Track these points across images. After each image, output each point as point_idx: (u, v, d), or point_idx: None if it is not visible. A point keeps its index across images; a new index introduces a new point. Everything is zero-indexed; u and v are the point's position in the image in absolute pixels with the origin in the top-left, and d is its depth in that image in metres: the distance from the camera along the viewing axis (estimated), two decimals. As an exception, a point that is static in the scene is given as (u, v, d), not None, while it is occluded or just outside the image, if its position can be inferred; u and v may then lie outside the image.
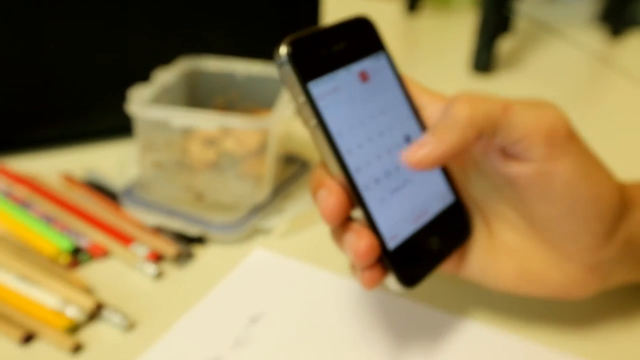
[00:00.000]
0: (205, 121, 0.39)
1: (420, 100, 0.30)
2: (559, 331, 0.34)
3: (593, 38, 0.85)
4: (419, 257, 0.29)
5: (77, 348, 0.32)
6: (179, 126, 0.39)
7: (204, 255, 0.40)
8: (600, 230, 0.29)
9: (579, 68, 0.77)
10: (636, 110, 0.65)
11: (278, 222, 0.42)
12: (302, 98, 0.26)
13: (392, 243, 0.28)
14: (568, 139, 0.28)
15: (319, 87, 0.26)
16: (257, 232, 0.42)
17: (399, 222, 0.28)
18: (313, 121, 0.26)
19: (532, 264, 0.31)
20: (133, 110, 0.39)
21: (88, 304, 0.33)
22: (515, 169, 0.28)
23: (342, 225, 0.28)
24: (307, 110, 0.26)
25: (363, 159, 0.27)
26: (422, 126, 0.30)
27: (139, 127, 0.41)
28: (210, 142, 0.44)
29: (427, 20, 0.93)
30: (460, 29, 0.83)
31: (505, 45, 0.78)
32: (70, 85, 0.49)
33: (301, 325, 0.34)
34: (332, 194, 0.26)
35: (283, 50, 0.26)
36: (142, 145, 0.41)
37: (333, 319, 0.34)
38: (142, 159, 0.42)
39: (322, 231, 0.42)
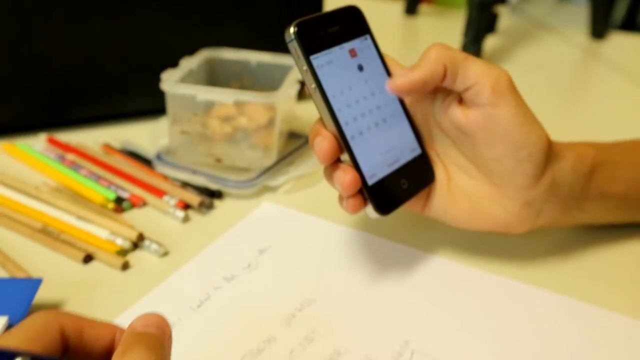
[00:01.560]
0: (224, 96, 0.48)
1: (396, 72, 0.38)
2: (508, 264, 0.42)
3: (579, 37, 0.94)
4: (391, 193, 0.37)
5: (125, 266, 0.41)
6: (202, 100, 0.48)
7: (221, 206, 0.49)
8: (531, 171, 0.37)
9: (564, 64, 0.86)
10: (620, 103, 0.73)
11: (283, 181, 0.50)
12: (305, 67, 0.35)
13: (370, 180, 0.36)
14: (510, 90, 0.36)
15: (318, 60, 0.35)
16: (265, 189, 0.51)
17: (376, 166, 0.37)
18: (313, 85, 0.35)
19: (481, 203, 0.39)
20: (166, 87, 0.48)
21: (132, 235, 0.42)
22: (468, 114, 0.37)
23: (332, 165, 0.36)
24: (309, 77, 0.35)
25: (351, 116, 0.36)
26: None
27: (169, 102, 0.50)
28: (227, 119, 0.54)
29: (424, 19, 1.02)
30: (455, 28, 0.92)
31: (493, 42, 0.87)
32: (110, 72, 0.58)
33: (298, 255, 0.43)
34: (326, 140, 0.35)
35: (292, 29, 0.35)
36: (172, 117, 0.51)
37: (324, 252, 0.43)
38: (171, 129, 0.51)
39: (317, 190, 0.51)
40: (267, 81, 0.58)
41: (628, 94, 0.75)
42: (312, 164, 0.53)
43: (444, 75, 0.36)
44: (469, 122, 0.37)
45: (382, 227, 0.46)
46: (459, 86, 0.36)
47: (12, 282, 0.37)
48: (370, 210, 0.37)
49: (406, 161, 0.39)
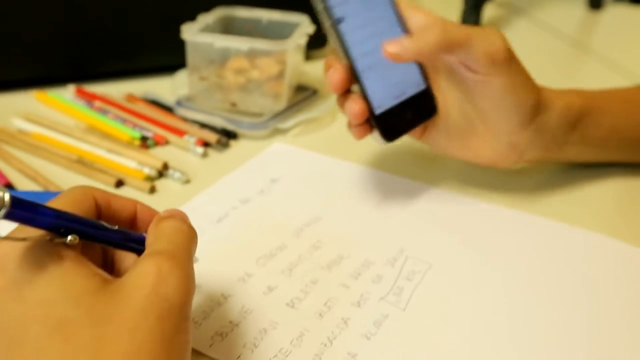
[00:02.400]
0: (239, 43, 0.53)
1: (406, 12, 0.42)
2: (502, 196, 0.47)
3: (577, 7, 0.98)
4: (396, 122, 0.41)
5: (152, 190, 0.46)
6: (219, 47, 0.53)
7: (236, 146, 0.54)
8: (517, 121, 0.41)
9: (563, 33, 0.89)
10: (615, 71, 0.77)
11: (293, 124, 0.55)
12: (322, 5, 0.38)
13: (378, 110, 0.40)
14: (506, 61, 0.39)
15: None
16: (276, 132, 0.55)
17: (384, 97, 0.40)
18: (329, 22, 0.38)
19: (471, 140, 0.44)
20: (186, 36, 0.53)
21: (158, 164, 0.47)
22: (468, 75, 0.40)
23: (344, 95, 0.40)
24: (325, 15, 0.38)
25: (362, 51, 0.39)
26: (406, 31, 0.41)
27: (189, 51, 0.55)
28: (240, 71, 0.58)
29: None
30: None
31: (491, 10, 0.91)
32: (133, 29, 0.63)
33: (307, 184, 0.48)
34: (338, 71, 0.39)
35: None
36: (191, 65, 0.55)
37: (330, 182, 0.48)
38: (191, 76, 0.56)
39: (324, 134, 0.56)
40: (277, 37, 0.62)
41: (623, 63, 0.79)
42: (319, 110, 0.58)
43: (444, 50, 0.38)
44: (467, 79, 0.41)
45: (385, 162, 0.50)
46: (458, 58, 0.39)
47: (45, 195, 0.42)
48: (376, 137, 0.41)
49: (411, 94, 0.42)
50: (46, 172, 0.47)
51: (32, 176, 0.46)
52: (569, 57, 0.83)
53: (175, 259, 0.25)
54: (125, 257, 0.29)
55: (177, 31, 0.55)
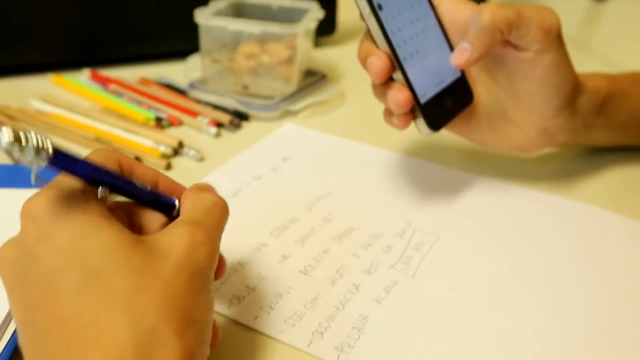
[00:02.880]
0: (251, 26, 0.55)
1: (454, 41, 0.40)
2: (517, 179, 0.49)
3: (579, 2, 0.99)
4: (440, 111, 0.40)
5: (168, 167, 0.47)
6: (232, 30, 0.55)
7: (248, 127, 0.55)
8: (556, 105, 0.42)
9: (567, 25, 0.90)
10: (621, 59, 0.78)
11: (303, 106, 0.57)
12: None
13: (422, 99, 0.38)
14: (557, 38, 0.40)
15: None
16: (287, 114, 0.57)
17: (426, 86, 0.40)
18: (367, 10, 0.37)
19: (503, 126, 0.43)
20: (200, 20, 0.55)
21: (173, 142, 0.49)
22: (515, 55, 0.39)
23: (385, 84, 0.38)
24: (363, 2, 0.37)
25: (402, 39, 0.37)
26: (438, 19, 0.40)
27: (202, 34, 0.56)
28: (251, 56, 0.60)
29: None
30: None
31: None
32: (146, 15, 0.65)
33: (317, 162, 0.49)
34: (381, 59, 0.37)
35: None
36: (204, 48, 0.57)
37: (340, 160, 0.49)
38: (204, 59, 0.58)
39: (333, 116, 0.58)
40: (287, 23, 0.63)
41: (629, 51, 0.80)
42: (329, 93, 0.59)
43: (502, 37, 0.37)
44: (512, 59, 0.40)
45: (395, 144, 0.52)
46: (514, 38, 0.38)
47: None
48: (422, 127, 0.39)
49: (449, 82, 0.41)
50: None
51: (52, 153, 0.48)
52: (572, 50, 0.84)
53: (210, 232, 0.26)
54: (151, 221, 0.30)
55: (190, 17, 0.56)
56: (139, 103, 0.56)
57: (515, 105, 0.42)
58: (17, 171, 0.43)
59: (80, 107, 0.55)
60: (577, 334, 0.33)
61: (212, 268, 0.26)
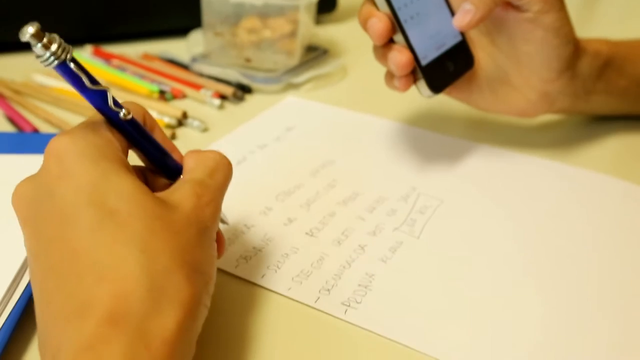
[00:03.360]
0: (254, -1, 0.55)
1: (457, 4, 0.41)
2: (522, 148, 0.49)
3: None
4: (441, 73, 0.41)
5: (173, 137, 0.48)
6: (234, 3, 0.55)
7: (251, 99, 0.55)
8: (556, 67, 0.42)
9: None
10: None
11: (306, 78, 0.57)
12: None
13: (423, 61, 0.39)
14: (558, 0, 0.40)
15: None
16: (289, 87, 0.57)
17: (427, 48, 0.40)
18: None
19: (504, 90, 0.44)
20: (202, -8, 0.55)
21: (178, 113, 0.49)
22: (516, 17, 0.40)
23: (385, 46, 0.38)
24: None
25: (403, 1, 0.37)
26: None
27: (205, 8, 0.56)
28: (253, 31, 0.60)
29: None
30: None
31: None
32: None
33: (321, 132, 0.49)
34: (381, 21, 0.37)
35: None
36: (207, 22, 0.57)
37: (343, 130, 0.50)
38: (206, 33, 0.58)
39: (336, 89, 0.58)
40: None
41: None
42: (331, 66, 0.59)
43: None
44: (513, 21, 0.40)
45: (398, 115, 0.52)
46: (514, 1, 0.39)
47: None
48: (423, 89, 0.39)
49: (450, 46, 0.41)
50: (69, 122, 0.49)
51: (57, 124, 0.48)
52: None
53: (214, 193, 0.27)
54: (158, 186, 0.29)
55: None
56: (142, 77, 0.57)
57: (516, 68, 0.42)
58: (22, 138, 0.44)
59: (83, 80, 0.55)
60: (579, 292, 0.33)
61: (215, 227, 0.27)
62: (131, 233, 0.23)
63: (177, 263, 0.23)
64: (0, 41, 0.61)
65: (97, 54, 0.62)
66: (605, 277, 0.35)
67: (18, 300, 0.29)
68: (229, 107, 0.54)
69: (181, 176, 0.28)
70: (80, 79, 0.24)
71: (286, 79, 0.56)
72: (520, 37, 0.41)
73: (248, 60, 0.58)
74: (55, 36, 0.23)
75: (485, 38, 0.44)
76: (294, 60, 0.58)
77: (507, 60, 0.43)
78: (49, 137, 0.43)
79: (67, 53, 0.23)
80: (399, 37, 0.38)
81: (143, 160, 0.29)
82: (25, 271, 0.31)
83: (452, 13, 0.41)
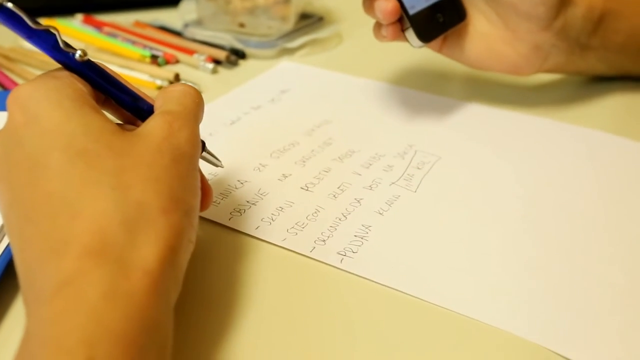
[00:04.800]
0: (247, -40, 0.53)
1: None
2: (521, 108, 0.48)
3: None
4: (430, 23, 0.41)
5: (165, 99, 0.47)
6: (228, -36, 0.54)
7: (245, 65, 0.54)
8: (545, 14, 0.41)
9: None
10: None
11: (300, 43, 0.56)
12: None
13: (411, 10, 0.40)
14: None
15: None
16: (284, 52, 0.56)
17: (414, 0, 0.40)
18: None
19: (495, 45, 0.43)
20: (194, -45, 0.54)
21: (170, 75, 0.48)
22: None
23: None
24: None
25: None
26: None
27: (197, -29, 0.55)
28: (246, -2, 0.59)
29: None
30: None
31: None
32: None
33: (316, 93, 0.49)
34: None
35: None
36: (200, -14, 0.56)
37: (338, 92, 0.49)
38: (199, -2, 0.57)
39: (331, 55, 0.57)
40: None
41: None
42: (327, 31, 0.58)
43: None
44: None
45: (395, 78, 0.51)
46: None
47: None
48: (412, 38, 0.40)
49: None
50: (60, 84, 0.48)
51: (47, 87, 0.47)
52: None
53: (185, 118, 0.26)
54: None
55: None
56: (133, 43, 0.56)
57: (504, 21, 0.42)
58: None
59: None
60: (574, 248, 0.33)
61: (194, 154, 0.26)
62: (101, 171, 0.22)
63: (151, 194, 0.23)
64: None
65: (88, 22, 0.61)
66: (602, 226, 0.34)
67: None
68: (223, 72, 0.53)
69: None
70: (22, 22, 0.23)
71: (281, 43, 0.55)
72: None
73: (242, 25, 0.57)
74: None
75: None
76: (289, 25, 0.57)
77: (495, 14, 0.43)
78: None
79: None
80: None
81: (116, 109, 0.28)
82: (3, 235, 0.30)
83: None
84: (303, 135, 0.42)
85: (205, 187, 0.28)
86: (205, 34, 0.56)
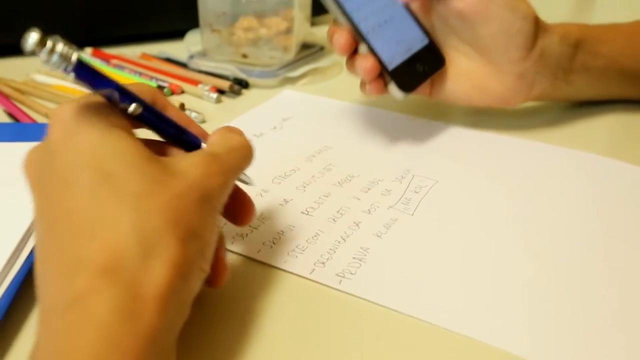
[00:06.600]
0: (249, -6, 0.56)
1: None
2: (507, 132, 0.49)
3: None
4: (410, 74, 0.43)
5: (170, 128, 0.48)
6: (231, -2, 0.56)
7: (248, 94, 0.56)
8: (522, 43, 0.43)
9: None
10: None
11: (302, 72, 0.58)
12: None
13: (391, 66, 0.42)
14: None
15: None
16: (286, 81, 0.58)
17: (393, 54, 0.43)
18: None
19: (480, 81, 0.45)
20: (198, -10, 0.56)
21: (175, 105, 0.50)
22: (466, 4, 0.42)
23: (352, 56, 0.42)
24: None
25: (363, 15, 0.42)
26: None
27: (201, 5, 0.57)
28: (250, 29, 0.61)
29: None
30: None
31: None
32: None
33: (317, 121, 0.50)
34: (342, 36, 0.41)
35: None
36: (203, 19, 0.58)
37: (339, 120, 0.50)
38: (203, 30, 0.59)
39: (332, 83, 0.59)
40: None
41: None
42: (327, 60, 0.60)
43: None
44: (466, 6, 0.42)
45: (394, 107, 0.52)
46: None
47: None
48: (394, 91, 0.43)
49: (418, 49, 0.44)
50: (69, 115, 0.50)
51: (57, 118, 0.48)
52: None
53: (225, 167, 0.27)
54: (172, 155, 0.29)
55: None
56: (140, 74, 0.58)
57: (486, 56, 0.44)
58: (21, 128, 0.44)
59: (83, 78, 0.56)
60: (570, 267, 0.34)
61: (221, 199, 0.26)
62: (126, 193, 0.23)
63: (171, 224, 0.23)
64: (2, 44, 0.62)
65: (96, 55, 0.63)
66: (595, 251, 0.35)
67: (21, 268, 0.30)
68: (227, 101, 0.55)
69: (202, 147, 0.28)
70: (88, 80, 0.24)
71: (283, 73, 0.57)
72: (479, 22, 0.42)
73: (245, 56, 0.59)
74: (59, 39, 0.23)
75: (451, 37, 0.45)
76: (290, 55, 0.59)
77: (475, 51, 0.44)
78: (47, 126, 0.44)
79: (72, 56, 0.23)
80: (362, 47, 0.42)
81: (163, 138, 0.29)
82: (26, 242, 0.31)
83: (417, 21, 0.45)
84: (304, 161, 0.44)
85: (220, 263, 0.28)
86: (209, 65, 0.58)
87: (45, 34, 0.23)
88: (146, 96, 0.28)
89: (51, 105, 0.52)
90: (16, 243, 0.31)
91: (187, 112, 0.50)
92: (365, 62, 0.41)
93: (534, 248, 0.35)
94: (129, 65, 0.59)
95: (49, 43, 0.23)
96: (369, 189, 0.40)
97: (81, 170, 0.23)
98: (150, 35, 0.69)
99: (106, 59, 0.62)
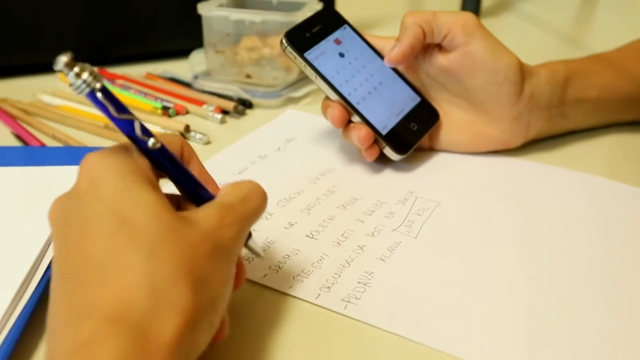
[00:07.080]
0: (253, 15, 0.56)
1: (378, 44, 0.47)
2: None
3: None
4: (405, 136, 0.45)
5: (176, 150, 0.49)
6: (235, 19, 0.57)
7: (252, 114, 0.57)
8: (511, 91, 0.44)
9: (563, 17, 0.93)
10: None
11: (305, 92, 0.58)
12: (303, 63, 0.43)
13: (384, 131, 0.44)
14: (478, 28, 0.43)
15: (311, 54, 0.43)
16: (289, 102, 0.59)
17: (385, 118, 0.44)
18: (314, 75, 0.43)
19: (477, 129, 0.46)
20: (203, 12, 0.57)
21: (180, 126, 0.51)
22: (450, 58, 0.44)
23: (347, 127, 0.44)
24: (309, 70, 0.43)
25: (351, 87, 0.44)
26: (382, 57, 0.46)
27: (205, 26, 0.58)
28: (253, 49, 0.62)
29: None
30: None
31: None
32: (150, 15, 0.67)
33: (320, 143, 0.51)
34: (335, 108, 0.43)
35: (283, 40, 0.43)
36: (208, 40, 0.59)
37: (341, 142, 0.51)
38: (207, 51, 0.59)
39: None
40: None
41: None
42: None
43: (424, 35, 0.43)
44: (450, 63, 0.44)
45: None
46: (437, 38, 0.44)
47: (82, 149, 0.45)
48: (390, 154, 0.44)
49: (410, 109, 0.46)
50: (75, 138, 0.50)
51: (64, 140, 0.49)
52: (566, 47, 0.86)
53: (239, 216, 0.27)
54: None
55: (192, 15, 0.58)
56: (145, 95, 0.58)
57: (478, 105, 0.46)
58: (29, 151, 0.45)
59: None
60: (571, 291, 0.34)
61: (235, 250, 0.27)
62: (142, 241, 0.23)
63: (183, 272, 0.23)
64: (8, 65, 0.63)
65: (101, 74, 0.64)
66: (598, 272, 0.35)
67: (27, 302, 0.30)
68: (231, 121, 0.55)
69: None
70: (108, 107, 0.25)
71: (286, 93, 0.58)
72: (464, 76, 0.44)
73: (248, 76, 0.59)
74: (87, 66, 0.24)
75: (442, 91, 0.47)
76: (293, 75, 0.59)
77: (467, 102, 0.46)
78: (55, 150, 0.45)
79: (97, 82, 0.25)
80: (355, 118, 0.43)
81: (178, 189, 0.29)
82: (33, 274, 0.32)
83: (406, 81, 0.47)
84: (308, 183, 0.44)
85: (239, 268, 0.29)
86: (213, 85, 0.59)
87: (76, 58, 0.24)
88: (174, 147, 0.29)
89: (57, 126, 0.52)
90: (19, 283, 0.31)
91: (192, 134, 0.51)
92: (359, 131, 0.43)
93: (535, 273, 0.35)
94: (134, 85, 0.60)
95: (77, 67, 0.24)
96: (372, 212, 0.41)
97: (101, 217, 0.24)
98: (155, 54, 0.70)
99: (111, 78, 0.62)
